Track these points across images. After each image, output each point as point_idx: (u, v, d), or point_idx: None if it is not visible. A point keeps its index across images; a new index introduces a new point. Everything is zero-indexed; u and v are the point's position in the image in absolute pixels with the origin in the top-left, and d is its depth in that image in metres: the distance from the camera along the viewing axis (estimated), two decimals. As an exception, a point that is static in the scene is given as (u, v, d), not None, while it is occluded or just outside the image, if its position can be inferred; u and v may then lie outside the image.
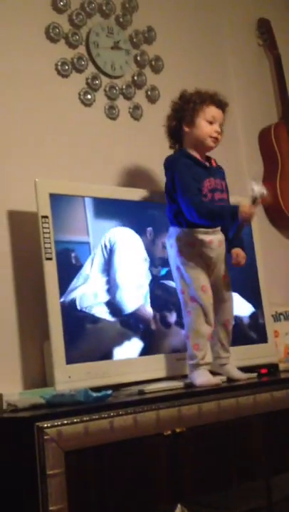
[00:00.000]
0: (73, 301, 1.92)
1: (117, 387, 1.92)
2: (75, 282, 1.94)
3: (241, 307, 2.34)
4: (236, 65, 2.91)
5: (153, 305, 2.11)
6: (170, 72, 2.59)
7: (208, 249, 2.01)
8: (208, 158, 2.13)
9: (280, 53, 3.01)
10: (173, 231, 2.04)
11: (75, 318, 1.91)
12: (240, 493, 1.78)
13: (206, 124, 2.06)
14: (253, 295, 2.40)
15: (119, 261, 2.05)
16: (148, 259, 2.13)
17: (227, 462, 1.76)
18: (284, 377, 2.17)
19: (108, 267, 2.02)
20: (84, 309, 1.93)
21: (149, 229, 2.16)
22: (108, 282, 2.01)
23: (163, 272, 2.17)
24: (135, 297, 2.06)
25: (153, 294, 2.12)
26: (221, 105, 2.10)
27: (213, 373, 1.99)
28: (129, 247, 2.10)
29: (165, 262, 2.13)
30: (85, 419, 1.48)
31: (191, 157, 2.06)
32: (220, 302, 2.05)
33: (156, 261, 2.16)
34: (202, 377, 1.93)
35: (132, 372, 1.98)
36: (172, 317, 2.15)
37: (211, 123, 2.06)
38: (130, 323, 2.03)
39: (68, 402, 1.63)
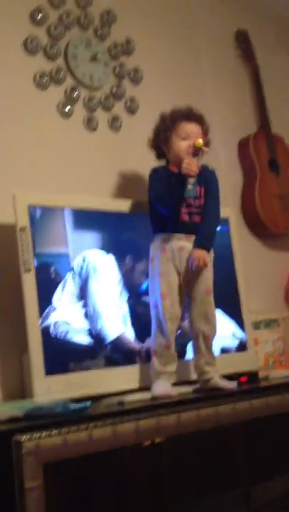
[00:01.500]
0: (51, 318, 1.92)
1: (96, 398, 1.92)
2: (53, 298, 1.94)
3: (221, 315, 2.35)
4: (215, 75, 2.93)
5: (133, 323, 2.12)
6: (149, 84, 2.61)
7: (178, 255, 2.02)
8: None
9: (258, 64, 3.05)
10: (153, 238, 2.08)
11: (54, 329, 1.92)
12: (221, 502, 1.78)
13: (180, 141, 2.08)
14: (232, 303, 2.42)
15: (93, 284, 2.04)
16: (122, 279, 2.13)
17: (207, 471, 1.76)
18: (263, 385, 2.19)
19: (81, 291, 2.01)
20: (59, 334, 1.93)
21: (129, 256, 2.16)
22: (83, 307, 2.00)
23: (144, 286, 2.18)
24: (113, 321, 2.06)
25: (133, 311, 2.13)
26: (192, 118, 2.11)
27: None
28: (102, 269, 2.08)
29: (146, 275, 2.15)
30: (63, 431, 1.48)
31: (167, 170, 2.10)
32: (201, 316, 2.04)
33: (136, 275, 2.17)
34: (160, 388, 1.92)
35: (112, 383, 1.98)
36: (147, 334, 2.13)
37: (184, 139, 2.08)
38: (109, 348, 2.03)
39: (47, 414, 1.62)
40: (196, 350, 2.04)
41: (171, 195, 2.01)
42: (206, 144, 2.11)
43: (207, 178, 2.11)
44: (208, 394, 1.98)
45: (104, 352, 2.01)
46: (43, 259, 1.94)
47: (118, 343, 2.06)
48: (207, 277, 2.06)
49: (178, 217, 2.04)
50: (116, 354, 2.04)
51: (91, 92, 2.42)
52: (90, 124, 2.40)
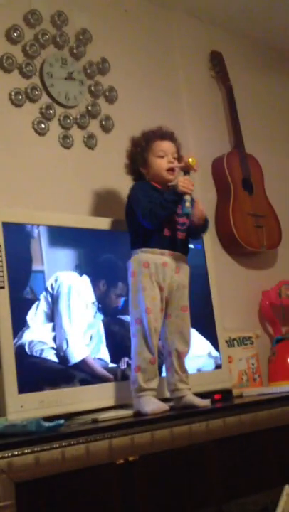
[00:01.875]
0: (25, 337, 1.91)
1: (70, 416, 1.91)
2: (27, 317, 1.94)
3: (195, 333, 2.36)
4: (189, 95, 2.97)
5: (108, 343, 2.12)
6: (124, 103, 2.63)
7: (161, 271, 2.02)
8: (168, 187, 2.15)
9: (231, 85, 3.09)
10: (132, 253, 2.07)
11: (29, 348, 1.91)
12: (194, 521, 1.78)
13: (157, 159, 2.11)
14: (206, 321, 2.42)
15: (63, 305, 2.03)
16: (97, 300, 2.13)
17: (180, 489, 1.76)
18: (237, 402, 2.19)
19: (52, 313, 2.01)
20: (34, 353, 1.93)
21: (103, 281, 2.17)
22: (54, 328, 2.00)
23: (120, 303, 2.18)
24: (79, 343, 2.05)
25: (108, 331, 2.13)
26: (165, 136, 2.14)
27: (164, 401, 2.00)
28: (74, 291, 2.07)
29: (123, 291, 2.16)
30: (36, 449, 1.46)
31: (149, 184, 2.12)
32: (177, 333, 2.04)
33: (112, 295, 2.17)
34: (151, 405, 1.92)
35: (86, 401, 1.98)
36: (124, 353, 2.14)
37: (161, 157, 2.11)
38: (75, 370, 2.03)
39: (20, 432, 1.61)
40: (170, 367, 2.04)
41: (165, 209, 2.02)
42: (179, 159, 2.14)
43: None
44: (181, 412, 1.97)
45: (72, 373, 2.00)
46: (18, 277, 1.93)
47: (83, 366, 2.04)
48: (184, 294, 2.07)
49: (161, 232, 2.06)
50: (82, 375, 2.02)
51: (66, 110, 2.43)
52: (66, 142, 2.41)
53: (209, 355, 2.41)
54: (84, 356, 2.05)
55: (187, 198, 2.03)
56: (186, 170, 2.07)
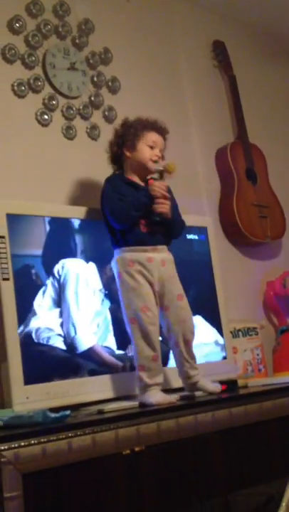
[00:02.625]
0: (32, 324, 1.91)
1: (76, 407, 1.91)
2: (34, 303, 1.93)
3: (200, 324, 2.35)
4: (192, 85, 2.96)
5: (115, 329, 2.12)
6: (127, 93, 2.62)
7: (148, 267, 2.01)
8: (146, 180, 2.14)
9: (234, 74, 3.08)
10: (114, 253, 2.05)
11: (33, 339, 1.91)
12: (200, 510, 1.78)
13: (147, 148, 2.10)
14: (211, 312, 2.42)
15: (70, 292, 2.02)
16: (102, 287, 2.12)
17: (186, 479, 1.76)
18: (242, 393, 2.19)
19: (59, 299, 2.00)
20: (41, 340, 1.92)
21: (109, 266, 2.15)
22: (61, 314, 1.99)
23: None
24: (87, 331, 2.05)
25: (115, 318, 2.12)
26: (162, 132, 2.14)
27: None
28: (80, 278, 2.07)
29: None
30: (42, 440, 1.46)
31: (124, 178, 2.11)
32: (179, 322, 2.04)
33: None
34: (156, 396, 1.92)
35: (92, 392, 1.98)
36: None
37: (151, 147, 2.10)
38: (82, 358, 2.02)
39: (26, 423, 1.61)
40: (179, 356, 2.04)
41: (137, 211, 2.01)
42: (162, 158, 2.13)
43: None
44: (187, 402, 1.98)
45: (79, 361, 2.00)
46: (24, 262, 1.93)
47: (90, 353, 2.04)
48: (176, 283, 2.07)
49: (138, 229, 2.03)
50: (90, 364, 2.02)
51: (69, 100, 2.42)
52: (69, 133, 2.40)
53: (216, 343, 2.41)
54: (92, 344, 2.05)
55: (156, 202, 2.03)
56: (163, 172, 2.07)
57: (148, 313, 1.97)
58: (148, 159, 2.09)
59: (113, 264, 2.05)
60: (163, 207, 2.03)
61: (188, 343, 2.04)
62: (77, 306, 2.03)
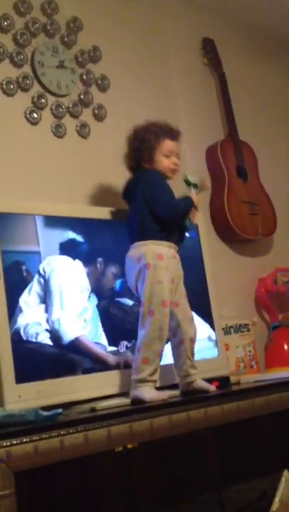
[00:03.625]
0: (19, 321, 1.90)
1: (69, 405, 1.91)
2: (20, 300, 1.93)
3: (198, 318, 2.36)
4: (182, 83, 2.96)
5: (105, 326, 2.11)
6: (116, 91, 2.62)
7: (172, 264, 2.05)
8: None
9: (224, 72, 3.08)
10: (139, 244, 2.05)
11: (22, 337, 1.90)
12: (194, 507, 1.78)
13: (164, 158, 2.12)
14: (203, 309, 2.42)
15: (55, 289, 2.02)
16: (88, 284, 2.12)
17: (179, 476, 1.76)
18: (235, 389, 2.19)
19: (44, 294, 1.99)
20: (30, 338, 1.92)
21: (100, 259, 2.17)
22: (46, 310, 1.99)
23: (117, 285, 2.18)
24: (75, 323, 2.04)
25: (104, 315, 2.12)
26: (175, 136, 2.16)
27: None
28: (65, 274, 2.06)
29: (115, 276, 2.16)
30: (34, 438, 1.46)
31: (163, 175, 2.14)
32: (187, 319, 2.07)
33: (107, 280, 2.17)
34: (151, 393, 1.93)
35: (84, 390, 1.97)
36: (123, 336, 2.15)
37: (168, 156, 2.12)
38: (73, 351, 2.02)
39: (18, 422, 1.60)
40: (182, 353, 2.05)
41: (183, 212, 2.10)
42: (178, 157, 2.18)
43: None
44: (180, 399, 1.98)
45: (70, 357, 2.00)
46: (14, 258, 1.93)
47: (77, 345, 2.02)
48: (183, 283, 2.11)
49: (173, 227, 2.10)
50: (80, 359, 2.01)
51: (58, 99, 2.41)
52: (58, 131, 2.39)
53: (209, 338, 2.41)
54: (77, 335, 2.03)
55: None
56: (199, 187, 2.16)
57: (167, 308, 1.99)
58: (168, 169, 2.13)
59: (138, 255, 2.03)
60: (197, 218, 2.19)
61: (193, 341, 2.07)
62: (61, 302, 2.02)
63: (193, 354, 2.07)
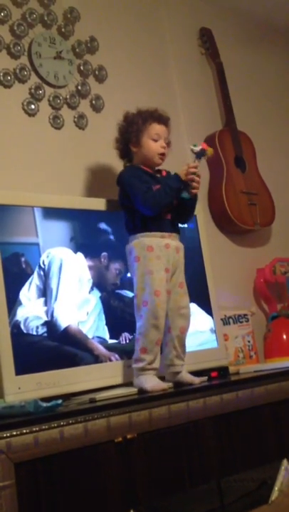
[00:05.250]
0: (19, 314, 1.91)
1: (68, 396, 1.91)
2: (21, 293, 1.93)
3: (196, 308, 2.36)
4: (180, 73, 2.95)
5: (107, 318, 2.12)
6: (114, 82, 2.61)
7: (165, 253, 2.05)
8: (159, 171, 2.19)
9: (222, 62, 3.07)
10: (131, 238, 2.08)
11: (22, 329, 1.90)
12: (193, 496, 1.79)
13: (152, 142, 2.13)
14: (202, 299, 2.43)
15: (54, 282, 2.02)
16: (90, 277, 2.12)
17: (179, 466, 1.77)
18: (234, 379, 2.20)
19: (45, 288, 1.99)
20: (31, 330, 1.92)
21: (104, 254, 2.17)
22: (46, 303, 1.98)
23: (120, 280, 2.19)
24: (71, 313, 2.03)
25: (106, 307, 2.13)
26: (163, 120, 2.16)
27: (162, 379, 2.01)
28: (65, 267, 2.06)
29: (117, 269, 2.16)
30: (34, 429, 1.47)
31: (140, 168, 2.13)
32: (177, 309, 2.07)
33: (110, 273, 2.16)
34: (151, 382, 1.94)
35: (83, 381, 1.98)
36: (124, 328, 2.15)
37: (156, 140, 2.13)
38: (73, 343, 2.02)
39: (18, 413, 1.61)
40: (169, 342, 2.06)
41: (171, 197, 2.05)
42: (168, 145, 2.16)
43: None
44: (179, 389, 1.98)
45: (69, 349, 2.00)
46: (13, 249, 1.93)
47: (76, 338, 2.02)
48: (181, 271, 2.11)
49: (162, 216, 2.08)
50: (77, 350, 2.02)
51: (56, 90, 2.41)
52: (56, 122, 2.39)
53: (211, 330, 2.42)
54: (77, 327, 2.03)
55: (189, 187, 2.08)
56: (201, 154, 2.09)
57: (160, 298, 2.00)
58: (155, 153, 2.13)
59: (129, 249, 2.07)
60: (197, 187, 2.08)
61: (181, 331, 2.06)
62: (60, 294, 2.02)
63: (182, 345, 2.07)
